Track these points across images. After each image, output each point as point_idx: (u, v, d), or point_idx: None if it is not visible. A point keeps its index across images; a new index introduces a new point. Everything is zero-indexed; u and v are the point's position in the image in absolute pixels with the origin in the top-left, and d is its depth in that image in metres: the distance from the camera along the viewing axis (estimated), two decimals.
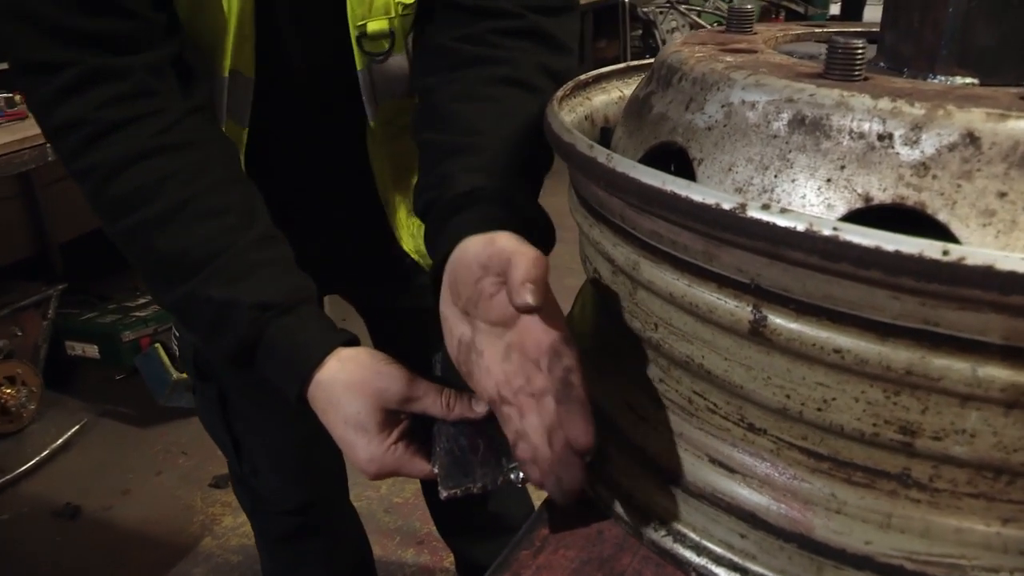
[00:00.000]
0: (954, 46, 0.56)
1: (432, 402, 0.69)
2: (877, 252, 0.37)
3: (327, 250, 1.01)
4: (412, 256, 1.06)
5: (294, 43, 0.87)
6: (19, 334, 2.51)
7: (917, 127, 0.44)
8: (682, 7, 4.21)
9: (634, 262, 0.52)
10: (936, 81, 0.56)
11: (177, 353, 1.14)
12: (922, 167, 0.43)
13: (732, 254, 0.44)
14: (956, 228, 0.42)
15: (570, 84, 0.71)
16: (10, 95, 1.96)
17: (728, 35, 0.68)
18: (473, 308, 0.63)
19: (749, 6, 0.70)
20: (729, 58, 0.56)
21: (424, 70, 0.82)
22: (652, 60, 0.68)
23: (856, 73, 0.50)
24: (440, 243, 0.68)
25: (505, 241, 0.61)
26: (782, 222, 0.39)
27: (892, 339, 0.41)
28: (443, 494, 0.64)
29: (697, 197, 0.42)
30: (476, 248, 0.62)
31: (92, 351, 2.58)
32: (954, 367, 0.40)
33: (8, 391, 2.47)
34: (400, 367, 0.71)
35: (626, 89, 0.77)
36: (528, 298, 0.54)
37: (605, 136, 0.71)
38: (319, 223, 1.02)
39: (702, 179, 0.50)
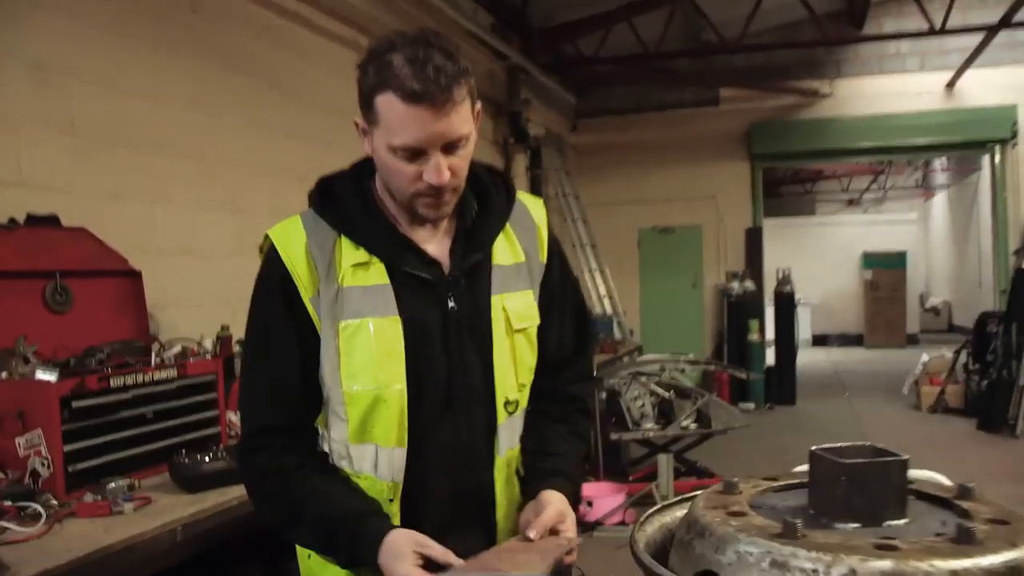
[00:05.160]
0: (844, 507, 1.12)
1: (434, 548, 1.33)
2: None
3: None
4: None
5: (445, 420, 1.47)
6: None
7: (828, 567, 0.97)
8: (642, 379, 5.02)
9: None
10: (836, 528, 1.11)
11: None
12: None
13: None
14: None
15: (650, 511, 1.28)
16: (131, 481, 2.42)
17: (725, 496, 1.23)
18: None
19: (738, 482, 1.27)
20: (733, 522, 1.10)
21: (533, 422, 1.59)
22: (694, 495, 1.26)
23: (798, 535, 1.04)
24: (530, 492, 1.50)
25: (550, 497, 1.44)
26: None
27: None
28: None
29: None
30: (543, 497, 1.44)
31: None
32: None
33: None
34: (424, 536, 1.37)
35: (677, 513, 1.32)
36: (530, 534, 1.38)
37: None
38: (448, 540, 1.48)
39: None
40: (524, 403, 1.55)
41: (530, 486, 1.50)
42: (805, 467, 1.63)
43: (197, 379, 2.87)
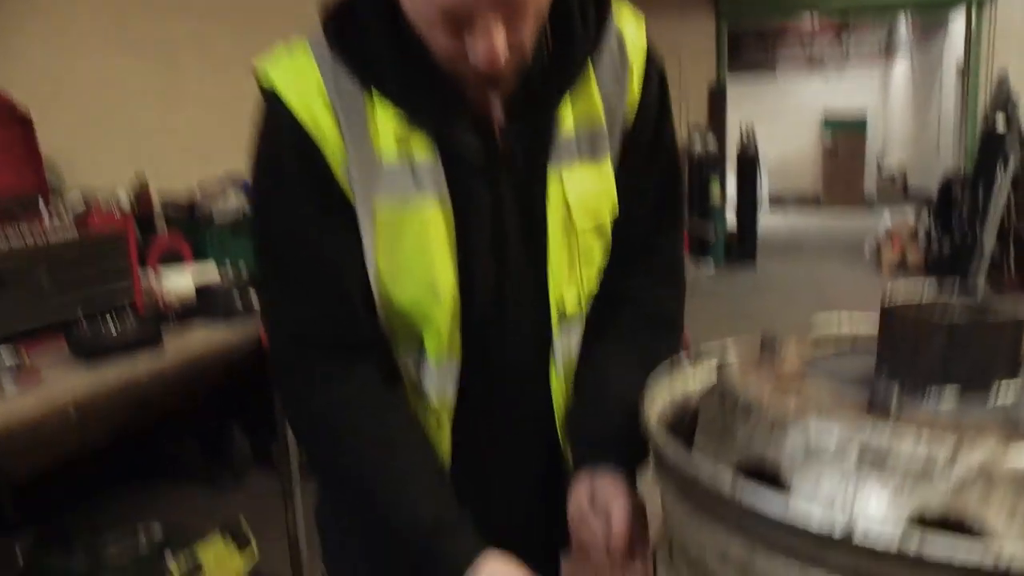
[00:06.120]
0: (937, 380, 0.80)
1: None
2: (949, 561, 0.57)
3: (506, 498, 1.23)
4: None
5: (496, 327, 1.12)
6: None
7: (953, 455, 0.65)
8: None
9: (749, 555, 0.71)
10: (930, 395, 0.79)
11: None
12: (958, 487, 0.65)
13: (841, 555, 0.64)
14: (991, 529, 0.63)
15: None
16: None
17: (765, 361, 0.90)
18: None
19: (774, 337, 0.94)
20: (791, 396, 0.78)
21: (590, 338, 1.18)
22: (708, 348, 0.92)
23: (894, 413, 0.72)
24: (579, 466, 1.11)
25: (615, 494, 1.04)
26: (879, 546, 0.59)
27: None
28: None
29: (815, 528, 0.62)
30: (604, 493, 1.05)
31: None
32: None
33: None
34: (527, 569, 0.98)
35: (690, 382, 1.00)
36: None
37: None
38: (506, 460, 1.22)
39: (795, 493, 0.71)
40: (586, 308, 1.18)
41: (578, 456, 1.14)
42: (831, 322, 1.33)
43: (102, 238, 2.47)
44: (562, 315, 1.13)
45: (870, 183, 16.82)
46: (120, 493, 3.49)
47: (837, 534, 0.61)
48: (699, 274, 4.54)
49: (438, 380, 1.11)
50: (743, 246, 9.69)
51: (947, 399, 0.80)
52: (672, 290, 1.25)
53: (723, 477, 0.69)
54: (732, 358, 0.92)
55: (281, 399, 1.10)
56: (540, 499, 1.25)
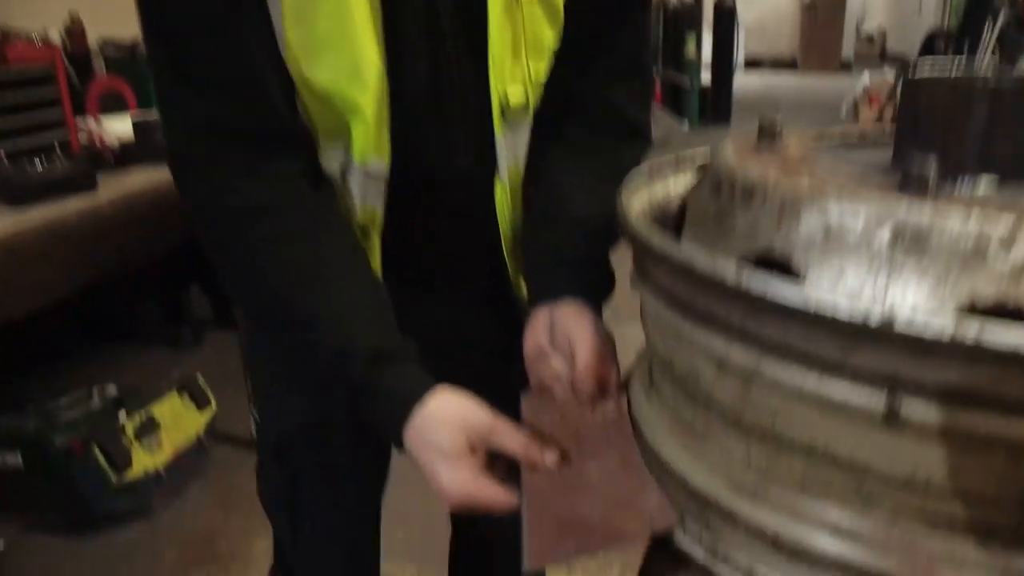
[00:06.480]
0: (974, 159, 0.66)
1: (511, 439, 0.81)
2: (1015, 351, 0.45)
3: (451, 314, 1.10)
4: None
5: (432, 123, 0.95)
6: None
7: (1012, 234, 0.52)
8: None
9: (754, 363, 0.59)
10: (964, 184, 0.66)
11: (253, 432, 1.23)
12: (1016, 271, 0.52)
13: (872, 355, 0.51)
14: None
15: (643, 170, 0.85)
16: None
17: (766, 146, 0.76)
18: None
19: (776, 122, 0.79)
20: (803, 178, 0.64)
21: (541, 144, 1.02)
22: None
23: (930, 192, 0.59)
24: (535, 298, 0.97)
25: (578, 326, 0.89)
26: (928, 335, 0.47)
27: (1016, 416, 0.49)
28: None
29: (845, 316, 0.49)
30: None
31: (14, 459, 2.44)
32: None
33: None
34: (484, 405, 0.83)
35: (672, 185, 0.86)
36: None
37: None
38: (446, 289, 1.10)
39: (812, 287, 0.58)
40: (534, 103, 0.99)
41: (533, 286, 1.00)
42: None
43: (25, 70, 2.24)
44: (505, 107, 0.95)
45: (848, 44, 16.40)
46: (77, 356, 3.37)
47: (874, 322, 0.48)
48: (673, 130, 4.37)
49: (365, 185, 0.93)
50: (718, 104, 9.42)
51: (985, 185, 0.66)
52: (636, 89, 1.06)
53: (725, 264, 0.56)
54: (729, 145, 0.78)
55: (184, 206, 0.90)
56: (489, 333, 1.12)
